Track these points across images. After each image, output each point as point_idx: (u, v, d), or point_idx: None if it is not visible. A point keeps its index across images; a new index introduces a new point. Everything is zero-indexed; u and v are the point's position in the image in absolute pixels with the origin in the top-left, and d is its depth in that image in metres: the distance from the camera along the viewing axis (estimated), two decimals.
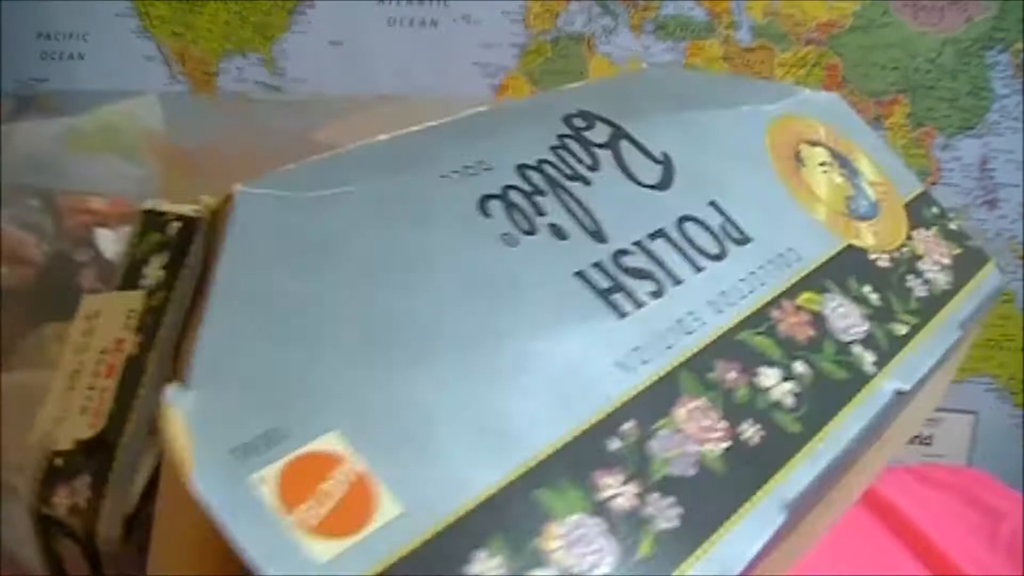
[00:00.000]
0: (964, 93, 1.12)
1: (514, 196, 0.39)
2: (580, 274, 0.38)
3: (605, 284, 0.38)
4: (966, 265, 0.53)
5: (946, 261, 0.52)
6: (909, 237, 0.52)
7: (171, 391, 0.27)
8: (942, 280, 0.51)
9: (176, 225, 0.36)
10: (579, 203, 0.40)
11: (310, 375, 0.30)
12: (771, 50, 1.12)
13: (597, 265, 0.38)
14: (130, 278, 0.37)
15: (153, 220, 0.37)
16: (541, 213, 0.39)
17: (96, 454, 0.35)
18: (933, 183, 1.14)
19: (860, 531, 0.97)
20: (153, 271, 0.36)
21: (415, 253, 0.35)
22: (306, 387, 0.29)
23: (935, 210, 0.56)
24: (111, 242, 0.68)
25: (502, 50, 1.13)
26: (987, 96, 1.12)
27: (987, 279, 0.54)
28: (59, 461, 0.37)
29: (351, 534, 0.27)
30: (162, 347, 0.34)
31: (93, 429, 0.35)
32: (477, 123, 0.43)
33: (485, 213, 0.38)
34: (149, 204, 0.38)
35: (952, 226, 0.56)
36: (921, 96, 1.12)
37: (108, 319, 0.37)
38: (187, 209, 0.36)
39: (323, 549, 0.26)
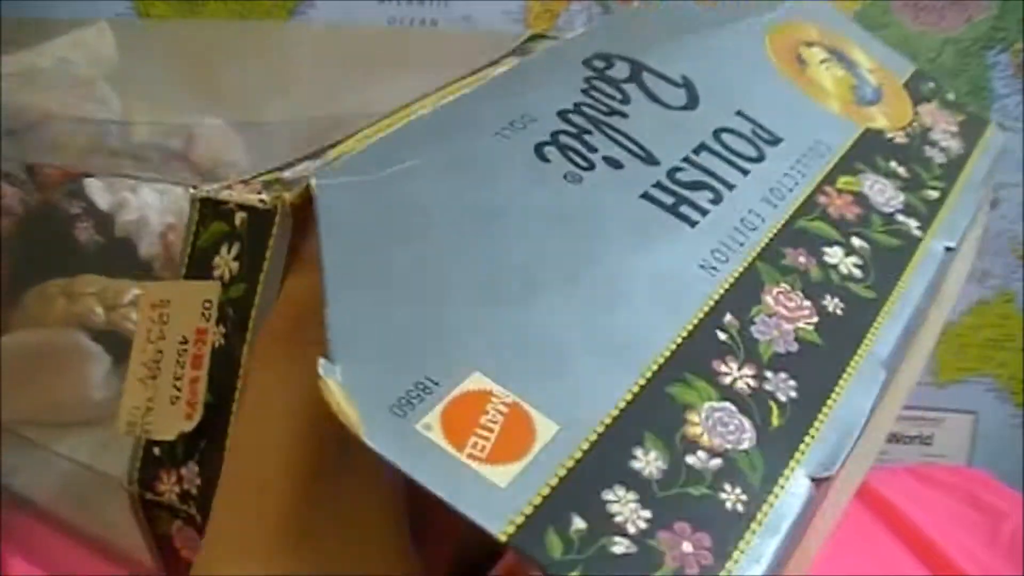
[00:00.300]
0: (964, 93, 1.12)
1: (564, 139, 0.41)
2: (645, 195, 0.40)
3: (669, 200, 0.41)
4: (971, 130, 0.56)
5: (953, 129, 0.55)
6: (916, 113, 0.55)
7: (322, 367, 0.29)
8: (955, 146, 0.54)
9: (241, 215, 0.37)
10: (623, 134, 0.43)
11: (438, 327, 0.32)
12: None
13: (657, 185, 0.41)
14: (198, 267, 0.38)
15: (213, 209, 0.38)
16: (593, 149, 0.41)
17: (199, 442, 0.38)
18: None
19: (860, 531, 0.97)
20: (224, 261, 0.38)
21: (494, 206, 0.37)
22: (438, 338, 0.32)
23: (931, 84, 0.59)
24: (102, 191, 0.65)
25: (502, 51, 1.12)
26: (987, 96, 1.12)
27: (992, 139, 0.57)
28: (157, 450, 0.39)
29: (521, 457, 0.29)
30: (256, 337, 0.36)
31: (191, 421, 0.38)
32: (507, 84, 0.46)
33: (543, 158, 0.40)
34: (203, 192, 0.38)
35: (949, 96, 0.59)
36: None
37: (181, 308, 0.39)
38: (251, 199, 0.37)
39: (501, 474, 0.29)
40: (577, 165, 0.40)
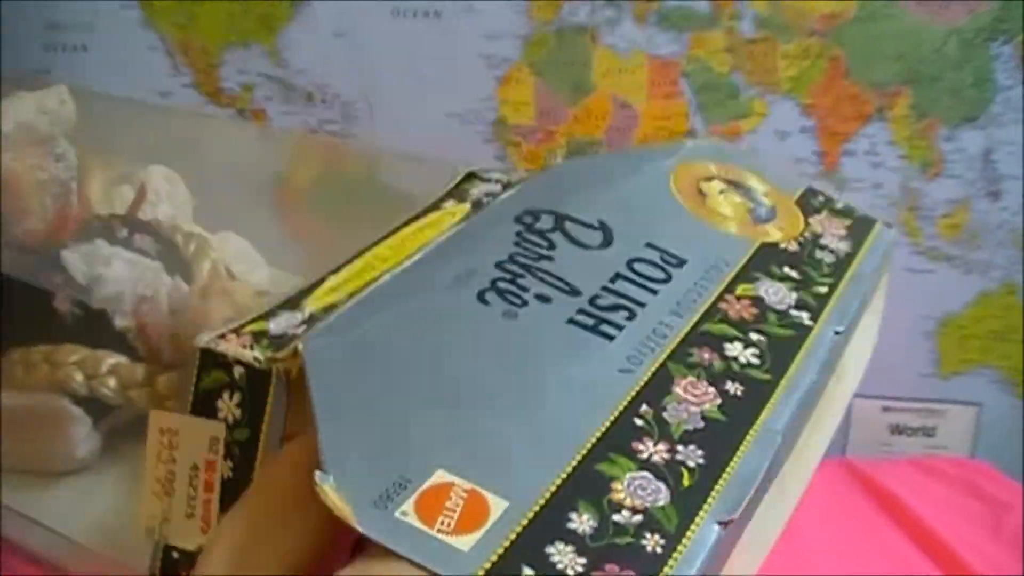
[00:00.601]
0: (968, 84, 1.12)
1: (501, 284, 0.50)
2: (571, 320, 0.49)
3: (591, 322, 0.49)
4: (859, 231, 0.64)
5: (842, 232, 0.63)
6: (807, 224, 0.63)
7: (318, 476, 0.37)
8: (843, 247, 0.61)
9: (240, 370, 0.46)
10: (550, 274, 0.52)
11: (407, 437, 0.41)
12: (774, 42, 1.12)
13: (581, 311, 0.49)
14: (202, 406, 0.47)
15: (212, 358, 0.47)
16: (525, 289, 0.50)
17: None
18: (936, 174, 1.14)
19: (864, 522, 0.98)
20: (228, 406, 0.46)
21: (446, 344, 0.46)
22: (407, 445, 0.40)
23: (821, 198, 0.67)
24: (78, 263, 0.69)
25: (506, 41, 1.13)
26: (991, 87, 1.12)
27: (879, 237, 0.65)
28: (177, 555, 0.48)
29: (479, 527, 0.37)
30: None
31: (206, 535, 0.46)
32: (451, 245, 0.55)
33: (485, 303, 0.49)
34: (204, 343, 0.47)
35: (838, 206, 0.67)
36: (925, 87, 1.12)
37: (189, 439, 0.47)
38: (247, 356, 0.46)
39: (465, 542, 0.36)
40: (513, 304, 0.49)
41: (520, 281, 0.50)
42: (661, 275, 0.53)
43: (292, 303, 0.50)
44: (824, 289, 0.56)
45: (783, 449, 0.46)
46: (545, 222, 0.55)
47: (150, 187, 0.79)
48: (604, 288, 0.51)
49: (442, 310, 0.49)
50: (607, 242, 0.55)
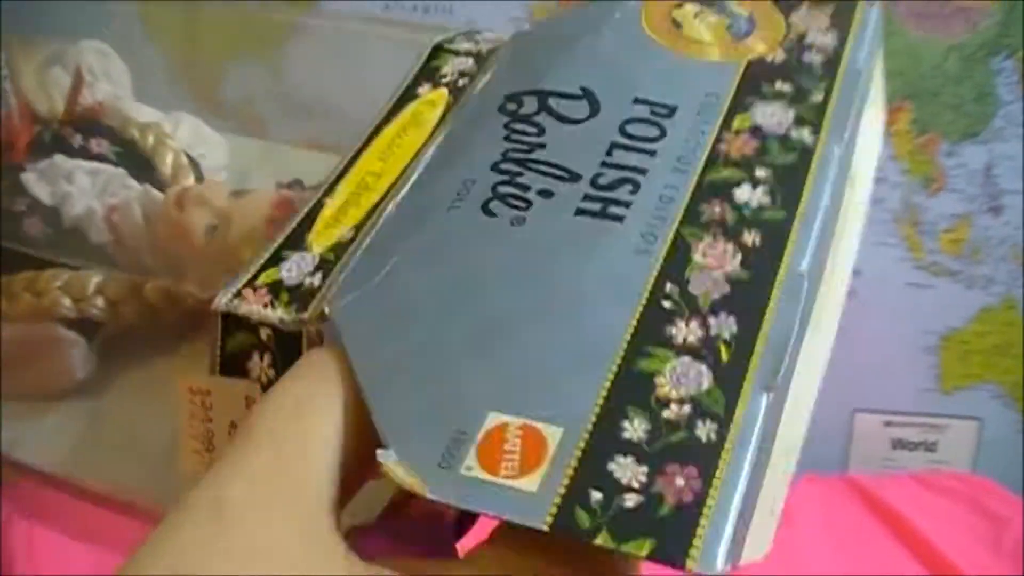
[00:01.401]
0: (969, 100, 1.12)
1: (502, 189, 0.49)
2: (578, 211, 0.47)
3: (597, 207, 0.47)
4: (843, 16, 0.60)
5: (825, 24, 0.60)
6: (788, 24, 0.60)
7: (380, 454, 0.38)
8: (830, 41, 0.58)
9: (267, 331, 0.46)
10: (547, 163, 0.50)
11: (453, 390, 0.41)
12: None
13: (585, 197, 0.48)
14: (231, 367, 0.47)
15: (235, 321, 0.47)
16: (526, 188, 0.49)
17: None
18: (938, 189, 1.14)
19: (864, 536, 0.97)
20: (260, 368, 0.47)
21: (463, 274, 0.46)
22: (456, 398, 0.40)
23: None
24: (39, 183, 0.68)
25: None
26: (992, 102, 1.12)
27: (865, 17, 0.61)
28: None
29: (542, 463, 0.38)
30: None
31: None
32: (444, 157, 0.53)
33: (491, 214, 0.48)
34: (223, 306, 0.46)
35: None
36: (926, 103, 1.12)
37: (223, 399, 0.48)
38: (271, 318, 0.46)
39: (531, 482, 0.37)
40: (518, 208, 0.48)
41: (519, 180, 0.49)
42: (655, 132, 0.51)
43: (296, 241, 0.50)
44: (820, 97, 0.54)
45: (812, 287, 0.45)
46: (529, 105, 0.53)
47: (84, 67, 0.77)
48: (603, 164, 0.49)
49: (453, 235, 0.47)
50: (594, 110, 0.53)
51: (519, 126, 0.52)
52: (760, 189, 0.48)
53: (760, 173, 0.49)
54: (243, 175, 0.80)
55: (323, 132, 1.15)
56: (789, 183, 0.48)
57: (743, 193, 0.48)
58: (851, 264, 0.60)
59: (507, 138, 0.51)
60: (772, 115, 0.52)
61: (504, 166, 0.50)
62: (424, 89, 0.59)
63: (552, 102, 0.53)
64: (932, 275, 1.17)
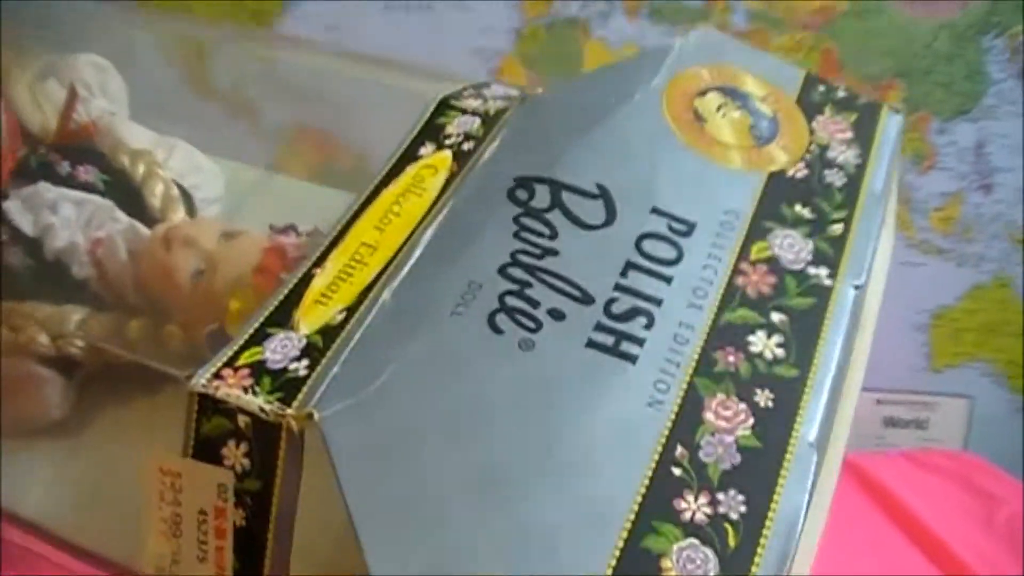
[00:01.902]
0: (960, 77, 1.12)
1: (510, 300, 0.47)
2: (590, 343, 0.46)
3: (610, 340, 0.46)
4: (866, 126, 0.60)
5: (848, 135, 0.59)
6: (811, 131, 0.59)
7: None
8: (852, 156, 0.57)
9: (245, 419, 0.43)
10: (559, 276, 0.48)
11: (453, 540, 0.39)
12: (767, 35, 1.12)
13: (598, 327, 0.46)
14: (204, 452, 0.44)
15: (212, 404, 0.44)
16: (536, 304, 0.47)
17: None
18: (929, 167, 1.14)
19: (857, 516, 0.98)
20: (234, 455, 0.43)
21: (468, 400, 0.43)
22: (452, 544, 0.39)
23: (821, 88, 0.62)
24: (22, 212, 0.65)
25: (498, 34, 1.12)
26: (983, 80, 1.12)
27: (887, 129, 0.60)
28: None
29: None
30: (280, 527, 0.43)
31: None
32: (447, 240, 0.50)
33: (497, 330, 0.45)
34: (200, 387, 0.44)
35: (840, 94, 0.62)
36: (917, 81, 1.12)
37: (194, 484, 0.44)
38: (252, 405, 0.43)
39: None
40: (527, 328, 0.46)
41: (529, 292, 0.47)
42: (672, 253, 0.50)
43: (282, 317, 0.47)
44: (839, 229, 0.53)
45: (820, 457, 0.44)
46: (540, 197, 0.51)
47: (79, 81, 0.73)
48: (617, 287, 0.48)
49: (457, 349, 0.45)
50: (610, 215, 0.51)
51: (530, 222, 0.50)
52: (775, 339, 0.47)
53: (776, 318, 0.48)
54: (238, 207, 0.76)
55: (314, 116, 1.15)
56: (804, 334, 0.48)
57: (758, 342, 0.47)
58: (851, 412, 0.58)
59: (517, 235, 0.49)
60: (791, 246, 0.51)
61: (513, 271, 0.48)
62: (427, 150, 0.56)
63: (566, 198, 0.51)
64: (923, 253, 1.18)
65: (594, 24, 1.12)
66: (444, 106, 0.60)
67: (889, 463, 1.08)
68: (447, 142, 0.57)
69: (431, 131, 0.58)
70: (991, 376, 1.20)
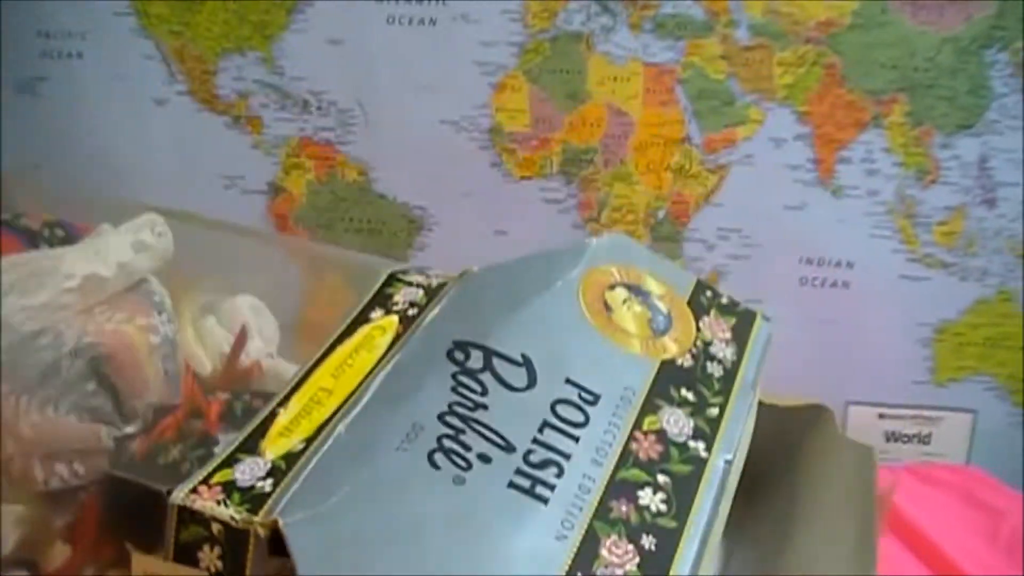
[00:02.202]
0: (963, 92, 1.12)
1: (447, 443, 0.55)
2: (511, 484, 0.55)
3: (527, 484, 0.55)
4: (742, 330, 0.72)
5: (727, 336, 0.71)
6: (698, 328, 0.70)
7: None
8: (729, 354, 0.69)
9: (218, 527, 0.51)
10: (487, 427, 0.57)
11: None
12: (770, 49, 1.12)
13: (518, 471, 0.55)
14: (183, 555, 0.52)
15: (190, 515, 0.52)
16: (468, 448, 0.55)
17: None
18: (932, 181, 1.14)
19: None
20: (209, 558, 0.52)
21: (408, 522, 0.51)
22: None
23: (708, 294, 0.74)
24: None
25: (501, 49, 1.13)
26: (986, 95, 1.12)
27: (759, 332, 0.73)
28: None
29: None
30: None
31: None
32: (393, 389, 0.60)
33: (435, 465, 0.54)
34: (179, 500, 0.52)
35: (724, 300, 0.74)
36: (920, 95, 1.12)
37: None
38: (224, 515, 0.51)
39: None
40: (460, 467, 0.54)
41: (462, 438, 0.56)
42: (580, 418, 0.60)
43: (250, 446, 0.56)
44: (715, 412, 0.64)
45: None
46: (475, 360, 0.61)
47: (240, 322, 0.78)
48: (535, 441, 0.58)
49: (401, 479, 0.54)
50: (532, 381, 0.61)
51: (465, 380, 0.60)
52: (659, 496, 0.57)
53: (661, 479, 0.58)
54: None
55: (318, 128, 1.16)
56: (683, 493, 0.58)
57: (646, 496, 0.57)
58: (716, 553, 0.68)
59: (454, 389, 0.59)
60: (676, 423, 0.62)
61: (450, 419, 0.57)
62: (376, 314, 0.67)
63: (496, 363, 0.61)
64: (926, 267, 1.17)
65: (597, 38, 1.12)
66: (392, 278, 0.71)
67: (892, 477, 1.07)
68: (394, 308, 0.67)
69: (380, 299, 0.68)
70: (994, 390, 1.20)
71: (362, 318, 0.66)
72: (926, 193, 1.15)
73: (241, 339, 0.76)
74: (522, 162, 1.15)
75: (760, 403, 0.72)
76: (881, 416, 1.21)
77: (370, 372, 0.61)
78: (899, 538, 0.96)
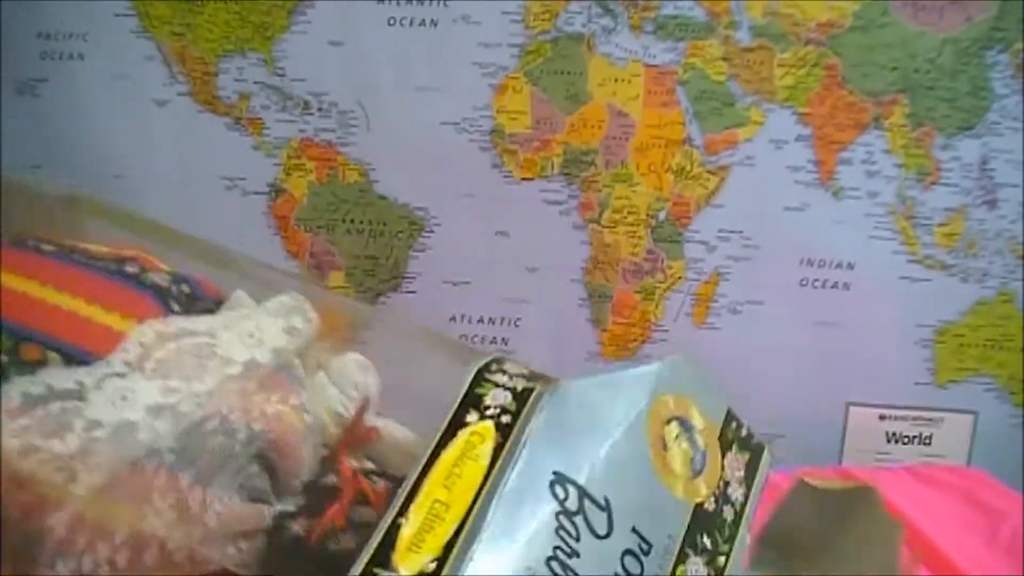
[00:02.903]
0: (964, 93, 1.12)
1: None
2: None
3: None
4: (752, 466, 0.73)
5: (740, 474, 0.72)
6: (722, 467, 0.71)
7: None
8: (740, 495, 0.71)
9: None
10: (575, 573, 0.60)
11: None
12: (771, 50, 1.12)
13: None
14: None
15: None
16: None
17: None
18: (933, 183, 1.14)
19: None
20: None
21: None
22: None
23: (734, 425, 0.74)
24: None
25: (502, 50, 1.13)
26: (987, 96, 1.12)
27: (763, 468, 0.74)
28: None
29: None
30: None
31: None
32: (509, 523, 0.61)
33: None
34: None
35: (743, 433, 0.75)
36: (921, 96, 1.12)
37: None
38: None
39: None
40: None
41: None
42: (638, 570, 0.62)
43: (383, 559, 0.58)
44: (722, 560, 0.67)
45: None
46: (572, 500, 0.63)
47: (348, 382, 0.78)
48: None
49: None
50: (610, 528, 0.63)
51: (565, 522, 0.62)
52: None
53: None
54: None
55: (319, 129, 1.16)
56: None
57: None
58: None
59: (557, 532, 0.61)
60: (696, 572, 0.65)
61: (554, 566, 0.59)
62: (472, 418, 0.67)
63: (587, 506, 0.63)
64: (927, 268, 1.17)
65: (598, 40, 1.12)
66: (480, 378, 0.70)
67: (893, 478, 1.07)
68: (487, 413, 0.67)
69: (472, 400, 0.68)
70: (995, 391, 1.20)
71: (458, 421, 0.67)
72: (926, 194, 1.15)
73: (364, 404, 0.77)
74: (523, 163, 1.15)
75: (806, 484, 0.77)
76: (882, 417, 1.21)
77: (481, 486, 0.63)
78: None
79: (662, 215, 1.17)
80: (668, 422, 0.70)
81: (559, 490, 0.63)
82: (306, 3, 1.12)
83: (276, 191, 1.18)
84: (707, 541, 0.67)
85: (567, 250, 1.19)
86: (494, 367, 0.72)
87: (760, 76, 1.13)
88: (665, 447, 0.69)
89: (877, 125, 1.13)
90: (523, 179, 1.16)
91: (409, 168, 1.17)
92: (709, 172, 1.15)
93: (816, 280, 1.18)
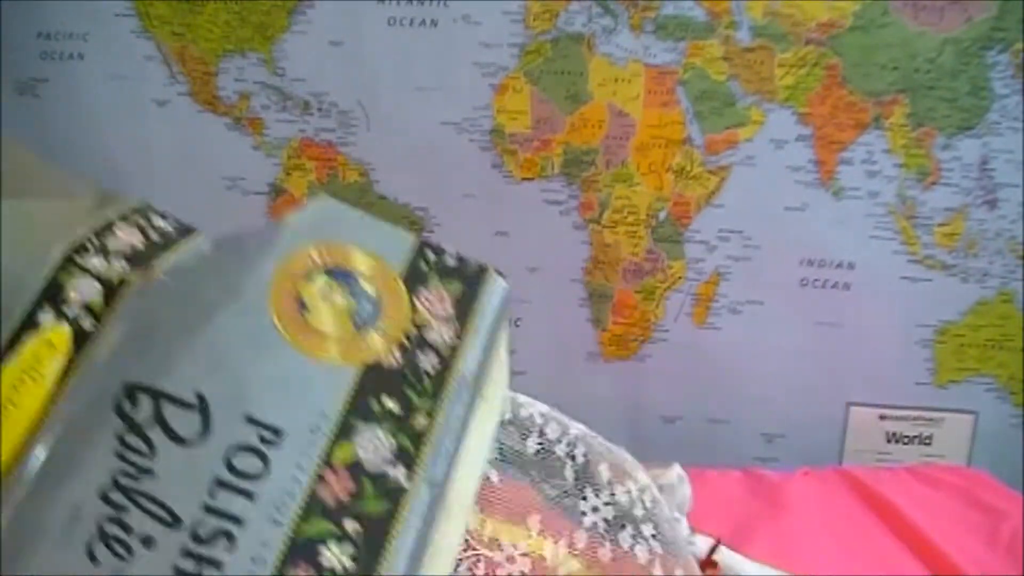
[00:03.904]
0: (964, 93, 1.12)
1: (108, 528, 0.47)
2: (175, 570, 0.46)
3: (193, 567, 0.46)
4: (468, 298, 0.59)
5: (448, 311, 0.58)
6: (413, 307, 0.58)
7: None
8: (447, 336, 0.57)
9: None
10: (153, 500, 0.48)
11: None
12: (771, 50, 1.12)
13: (184, 552, 0.47)
14: None
15: None
16: (130, 531, 0.47)
17: None
18: (933, 183, 1.14)
19: (860, 529, 0.97)
20: None
21: None
22: None
23: (431, 257, 0.61)
24: None
25: (502, 50, 1.13)
26: (987, 96, 1.12)
27: (490, 299, 0.60)
28: None
29: None
30: None
31: None
32: (54, 467, 0.49)
33: (94, 559, 0.46)
34: None
35: (449, 262, 0.61)
36: (921, 96, 1.12)
37: None
38: None
39: None
40: (120, 557, 0.46)
41: (125, 518, 0.47)
42: (258, 466, 0.50)
43: None
44: (423, 421, 0.53)
45: None
46: (143, 409, 0.50)
47: (668, 488, 0.74)
48: (204, 508, 0.48)
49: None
50: (205, 428, 0.51)
51: (132, 440, 0.50)
52: (347, 549, 0.48)
53: (349, 527, 0.49)
54: None
55: (319, 129, 1.16)
56: (373, 542, 0.49)
57: (330, 555, 0.47)
58: None
59: (119, 455, 0.49)
60: (374, 446, 0.51)
61: (113, 496, 0.48)
62: (46, 318, 0.53)
63: (166, 410, 0.51)
64: (927, 268, 1.17)
65: (599, 40, 1.12)
66: (68, 263, 0.56)
67: (893, 478, 1.08)
68: (66, 310, 0.54)
69: (52, 290, 0.54)
70: (995, 391, 1.20)
71: (30, 322, 0.53)
72: (927, 194, 1.15)
73: (713, 550, 0.75)
74: (523, 163, 1.15)
75: None
76: (882, 417, 1.21)
77: (39, 421, 0.51)
78: (899, 538, 0.96)
79: (662, 215, 1.17)
80: (308, 277, 0.57)
81: (126, 405, 0.50)
82: (306, 3, 1.12)
83: (276, 191, 1.18)
84: (392, 404, 0.53)
85: (567, 250, 1.19)
86: (90, 249, 0.57)
87: (760, 76, 1.13)
88: (304, 309, 0.55)
89: (877, 125, 1.13)
90: (523, 179, 1.16)
91: (409, 168, 1.17)
92: (709, 172, 1.15)
93: (816, 280, 1.18)
